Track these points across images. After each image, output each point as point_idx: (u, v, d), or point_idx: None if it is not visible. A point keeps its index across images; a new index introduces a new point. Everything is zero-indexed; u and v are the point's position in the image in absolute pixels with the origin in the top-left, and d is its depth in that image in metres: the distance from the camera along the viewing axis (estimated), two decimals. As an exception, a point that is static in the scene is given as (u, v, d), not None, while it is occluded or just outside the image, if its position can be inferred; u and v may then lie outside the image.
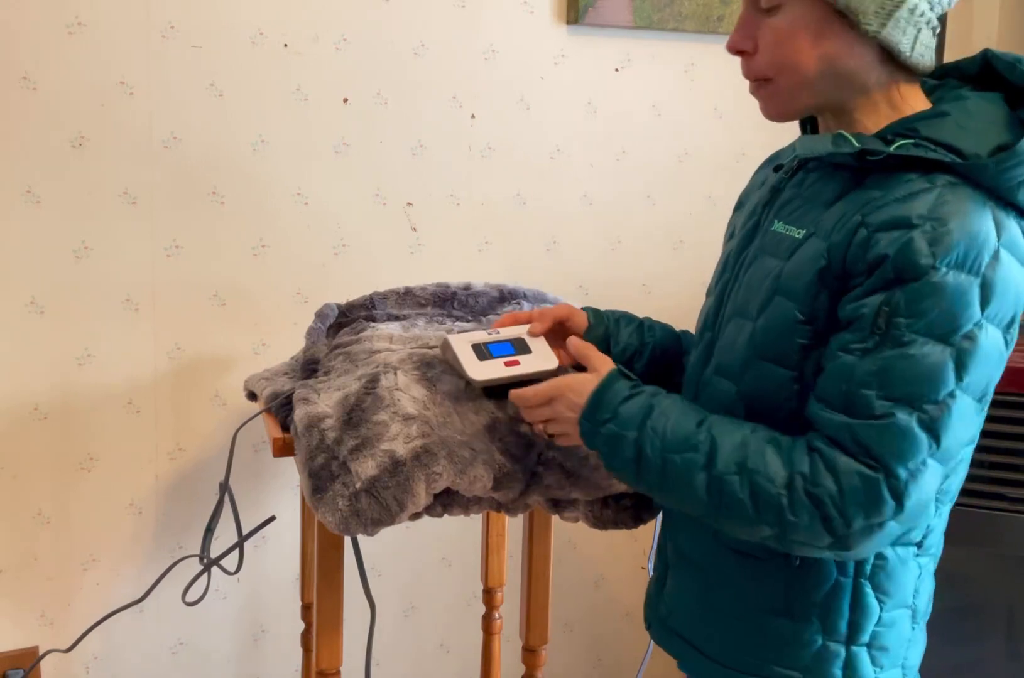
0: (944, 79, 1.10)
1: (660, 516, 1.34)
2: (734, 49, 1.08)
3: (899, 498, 0.96)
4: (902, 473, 0.95)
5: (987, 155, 0.97)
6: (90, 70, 1.67)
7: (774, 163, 1.26)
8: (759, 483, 0.99)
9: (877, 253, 0.96)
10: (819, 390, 1.01)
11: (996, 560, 1.81)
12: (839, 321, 1.00)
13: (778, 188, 1.14)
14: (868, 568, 1.07)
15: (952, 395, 0.96)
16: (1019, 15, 2.23)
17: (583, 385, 1.11)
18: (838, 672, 1.09)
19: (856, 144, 1.01)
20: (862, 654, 1.09)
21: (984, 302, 0.95)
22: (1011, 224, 0.98)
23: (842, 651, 1.09)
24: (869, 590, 1.08)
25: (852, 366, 0.97)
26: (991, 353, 0.97)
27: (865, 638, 1.09)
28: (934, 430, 0.95)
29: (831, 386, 0.99)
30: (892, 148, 0.99)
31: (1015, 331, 1.00)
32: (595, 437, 1.09)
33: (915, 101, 1.06)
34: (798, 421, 1.03)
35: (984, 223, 0.96)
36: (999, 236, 0.96)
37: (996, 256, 0.95)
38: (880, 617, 1.09)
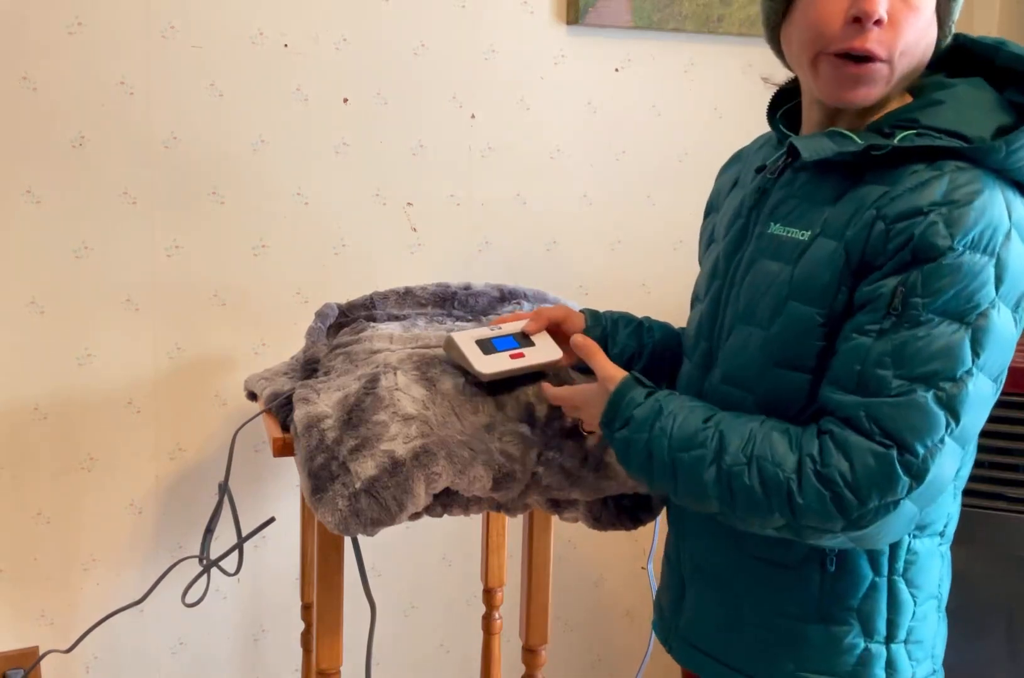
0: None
1: (661, 517, 1.34)
2: (876, 14, 0.96)
3: (915, 475, 0.94)
4: (919, 449, 0.94)
5: (990, 137, 0.98)
6: (90, 70, 1.67)
7: (739, 163, 1.24)
8: (767, 469, 0.97)
9: (899, 242, 0.96)
10: (832, 373, 1.00)
11: (996, 560, 1.81)
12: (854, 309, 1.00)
13: (764, 189, 1.12)
14: (901, 565, 1.06)
15: (969, 373, 0.95)
16: (1019, 14, 2.23)
17: (602, 395, 1.12)
18: (880, 672, 1.08)
19: (859, 141, 1.01)
20: (900, 651, 1.08)
21: (999, 282, 0.96)
22: (1020, 204, 0.99)
23: (883, 651, 1.08)
24: (903, 586, 1.07)
25: (867, 347, 0.96)
26: (1005, 333, 0.97)
27: (903, 635, 1.08)
28: (952, 408, 0.94)
29: (844, 368, 0.98)
30: (896, 140, 0.99)
31: (1023, 312, 1.00)
32: (612, 442, 1.10)
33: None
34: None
35: (997, 204, 0.96)
36: (1010, 216, 0.97)
37: (1008, 236, 0.96)
38: (914, 612, 1.08)
